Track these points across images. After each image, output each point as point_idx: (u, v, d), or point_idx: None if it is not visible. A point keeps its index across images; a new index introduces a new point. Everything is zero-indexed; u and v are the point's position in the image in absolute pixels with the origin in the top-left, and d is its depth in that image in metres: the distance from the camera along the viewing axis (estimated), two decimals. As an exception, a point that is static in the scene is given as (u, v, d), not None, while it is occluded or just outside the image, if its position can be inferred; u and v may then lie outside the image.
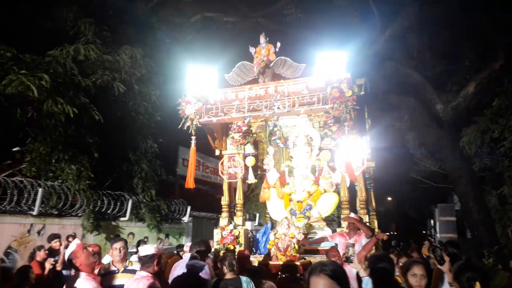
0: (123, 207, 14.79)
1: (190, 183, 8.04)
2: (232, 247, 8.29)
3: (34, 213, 11.94)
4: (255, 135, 9.11)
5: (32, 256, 8.73)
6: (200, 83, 7.97)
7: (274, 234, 7.74)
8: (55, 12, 14.14)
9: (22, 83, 11.81)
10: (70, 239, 10.98)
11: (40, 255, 8.31)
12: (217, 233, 8.66)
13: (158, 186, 15.80)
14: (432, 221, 21.18)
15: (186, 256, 6.98)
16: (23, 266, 6.59)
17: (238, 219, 8.76)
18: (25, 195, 11.67)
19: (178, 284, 5.17)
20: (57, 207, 12.72)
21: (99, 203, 13.92)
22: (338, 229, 7.89)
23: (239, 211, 8.84)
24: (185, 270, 5.88)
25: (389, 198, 26.18)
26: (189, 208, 16.75)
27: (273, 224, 9.46)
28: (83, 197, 13.41)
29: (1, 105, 11.89)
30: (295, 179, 9.34)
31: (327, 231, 8.93)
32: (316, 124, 9.44)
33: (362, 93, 7.28)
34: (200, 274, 5.80)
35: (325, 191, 9.03)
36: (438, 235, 17.46)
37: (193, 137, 8.02)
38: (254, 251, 8.95)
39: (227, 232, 8.40)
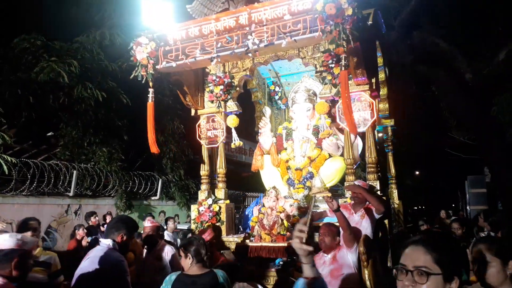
0: (153, 186, 15.44)
1: (153, 148, 6.53)
2: (211, 226, 6.99)
3: (70, 194, 12.65)
4: (238, 88, 7.43)
5: (72, 234, 9.49)
6: (155, 18, 6.37)
7: (259, 209, 6.65)
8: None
9: (53, 70, 12.49)
10: (108, 217, 11.92)
11: (79, 233, 8.99)
12: (193, 210, 7.48)
13: (186, 165, 16.29)
14: (461, 194, 21.34)
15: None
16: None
17: (219, 192, 7.47)
18: (61, 178, 12.27)
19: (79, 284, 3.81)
20: (91, 188, 13.41)
21: (130, 183, 14.59)
22: (340, 201, 6.16)
23: (220, 182, 7.54)
24: (90, 266, 3.86)
25: (417, 172, 26.16)
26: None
27: None
28: (115, 178, 14.11)
29: (35, 92, 12.54)
30: (294, 143, 7.94)
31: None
32: (312, 69, 7.44)
33: (370, 22, 5.75)
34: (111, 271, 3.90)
35: (330, 156, 7.49)
36: (468, 207, 17.68)
37: (151, 90, 6.44)
38: (242, 230, 7.75)
39: (205, 208, 7.21)
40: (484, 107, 14.58)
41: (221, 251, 6.15)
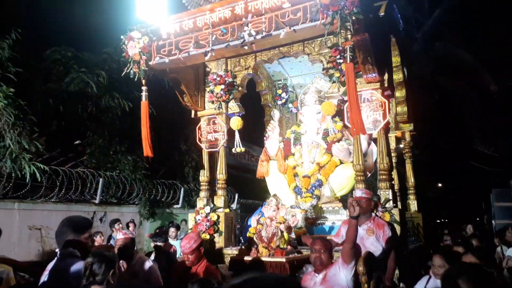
0: (176, 195, 14.76)
1: (147, 151, 5.80)
2: (208, 237, 6.20)
3: (96, 201, 12.17)
4: (241, 88, 6.56)
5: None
6: (149, 11, 5.60)
7: (258, 219, 5.75)
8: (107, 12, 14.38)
9: (83, 80, 12.33)
10: (131, 225, 11.27)
11: (97, 240, 8.46)
12: (190, 218, 6.73)
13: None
14: (486, 207, 19.68)
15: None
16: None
17: (218, 200, 6.60)
18: (88, 185, 11.86)
19: None
20: (116, 196, 12.92)
21: (154, 191, 14.01)
22: (346, 212, 5.29)
23: (220, 189, 6.71)
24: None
25: (440, 184, 24.45)
26: (236, 196, 16.12)
27: None
28: (139, 186, 13.51)
29: (64, 101, 12.37)
30: (302, 148, 7.02)
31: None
32: (319, 66, 6.41)
33: (381, 13, 4.97)
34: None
35: (341, 162, 6.59)
36: (493, 221, 16.08)
37: (144, 88, 5.76)
38: (243, 241, 6.88)
39: (202, 217, 6.33)
40: (509, 119, 13.42)
41: (217, 265, 5.08)
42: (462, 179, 20.14)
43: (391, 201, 5.19)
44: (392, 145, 7.89)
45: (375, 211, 5.01)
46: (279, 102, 7.81)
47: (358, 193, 4.84)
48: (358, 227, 4.64)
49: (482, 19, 14.06)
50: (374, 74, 5.25)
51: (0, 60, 10.34)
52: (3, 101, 9.89)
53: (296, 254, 5.30)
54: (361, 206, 4.58)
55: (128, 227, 11.02)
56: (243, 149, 6.70)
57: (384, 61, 5.47)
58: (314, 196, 6.51)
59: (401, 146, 8.08)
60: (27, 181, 10.06)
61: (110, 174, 12.96)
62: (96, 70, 12.52)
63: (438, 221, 24.56)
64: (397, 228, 4.99)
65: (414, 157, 8.53)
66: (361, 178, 5.38)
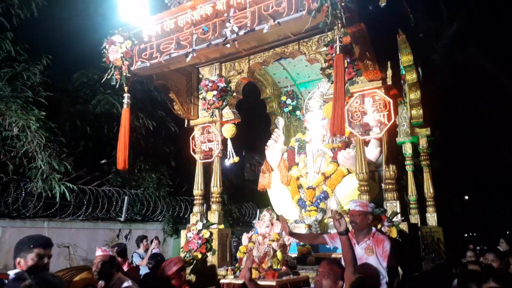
0: (187, 210, 13.94)
1: (121, 163, 4.89)
2: (200, 256, 5.28)
3: (122, 219, 11.90)
4: (235, 93, 5.72)
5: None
6: (132, 13, 4.84)
7: (249, 236, 4.87)
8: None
9: (108, 101, 12.23)
10: (154, 242, 10.72)
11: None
12: (182, 236, 5.83)
13: (228, 190, 14.84)
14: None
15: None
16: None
17: (212, 215, 5.75)
18: (114, 203, 11.60)
19: None
20: (140, 213, 12.61)
21: (177, 208, 13.52)
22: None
23: (215, 203, 5.83)
24: None
25: (466, 197, 22.61)
26: (258, 211, 15.27)
27: None
28: (163, 203, 13.12)
29: (91, 122, 12.20)
30: (307, 158, 6.00)
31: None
32: (318, 67, 5.43)
33: (382, 4, 4.23)
34: None
35: (348, 172, 5.55)
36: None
37: (126, 95, 5.07)
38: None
39: (193, 234, 5.46)
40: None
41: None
42: (490, 191, 18.57)
43: (399, 214, 4.22)
44: (409, 151, 6.94)
45: (379, 226, 4.05)
46: (286, 110, 6.94)
47: (351, 206, 3.94)
48: (357, 245, 3.75)
49: (504, 26, 12.88)
50: (375, 71, 4.30)
51: (32, 85, 10.24)
52: (35, 124, 9.76)
53: (291, 276, 4.35)
54: (354, 221, 3.69)
55: (151, 244, 10.70)
56: (236, 159, 5.86)
57: (388, 57, 4.52)
58: (319, 209, 5.51)
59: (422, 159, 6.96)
60: (57, 200, 9.90)
61: (134, 192, 12.69)
62: (121, 92, 12.13)
63: (466, 235, 22.71)
64: (407, 245, 4.01)
65: (435, 166, 7.41)
66: (365, 188, 4.45)
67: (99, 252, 4.04)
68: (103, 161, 13.38)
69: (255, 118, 9.76)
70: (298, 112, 6.91)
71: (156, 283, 3.74)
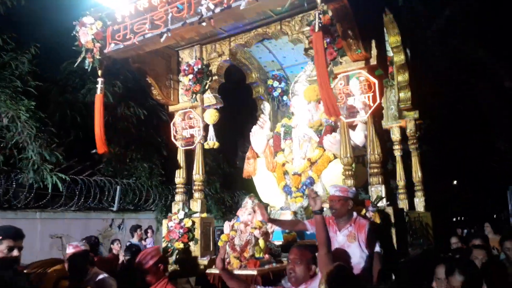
0: (205, 200, 13.87)
1: (101, 147, 4.96)
2: (181, 245, 5.06)
3: (114, 209, 11.73)
4: (216, 77, 5.36)
5: (110, 249, 8.46)
6: None
7: (231, 224, 4.62)
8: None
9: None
10: (149, 232, 10.67)
11: (115, 248, 7.94)
12: (164, 225, 5.57)
13: (222, 179, 14.79)
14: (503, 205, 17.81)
15: None
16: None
17: (195, 204, 5.52)
18: (106, 193, 11.47)
19: None
20: (133, 203, 12.38)
21: (170, 197, 13.16)
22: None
23: (197, 191, 5.64)
24: None
25: (455, 182, 22.33)
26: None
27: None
28: (156, 192, 12.91)
29: (81, 112, 11.76)
30: (293, 143, 5.72)
31: None
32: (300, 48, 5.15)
33: None
34: None
35: (335, 157, 5.22)
36: (511, 219, 14.34)
37: (100, 79, 4.82)
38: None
39: (175, 223, 5.20)
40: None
41: (188, 279, 4.03)
42: (478, 176, 18.36)
43: (384, 199, 3.97)
44: (397, 135, 6.62)
45: (363, 212, 3.81)
46: (275, 94, 6.61)
47: (331, 191, 3.69)
48: (338, 232, 3.52)
49: (498, 14, 12.56)
50: (359, 50, 4.01)
51: (20, 74, 9.90)
52: (25, 114, 9.47)
53: (274, 264, 4.13)
54: (333, 207, 3.45)
55: (146, 234, 10.45)
56: (217, 144, 5.63)
57: (373, 36, 4.21)
58: (305, 195, 5.17)
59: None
60: (49, 191, 9.73)
61: (126, 182, 12.41)
62: (111, 80, 11.78)
63: (454, 219, 22.54)
64: (393, 231, 3.77)
65: (424, 150, 7.17)
66: (350, 173, 4.21)
67: (70, 250, 3.75)
68: (93, 151, 12.99)
69: (251, 104, 9.55)
70: (285, 97, 6.59)
71: (132, 277, 3.47)
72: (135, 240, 9.00)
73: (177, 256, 4.95)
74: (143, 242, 9.44)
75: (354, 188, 3.82)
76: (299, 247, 3.09)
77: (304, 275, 2.85)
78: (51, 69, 11.98)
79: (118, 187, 11.69)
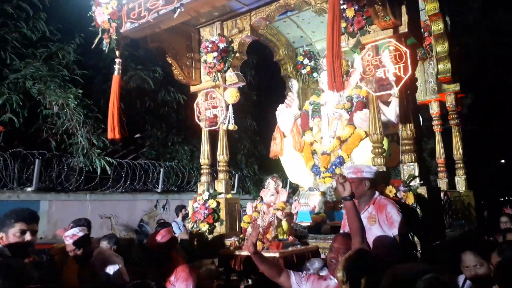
0: (230, 181, 13.66)
1: (111, 132, 4.56)
2: (206, 226, 4.82)
3: (159, 190, 11.79)
4: (238, 54, 4.92)
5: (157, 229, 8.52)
6: None
7: (254, 205, 4.21)
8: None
9: (140, 77, 11.75)
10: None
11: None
12: (190, 206, 5.30)
13: (259, 161, 14.49)
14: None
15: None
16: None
17: (219, 184, 5.25)
18: (150, 175, 11.50)
19: None
20: (176, 184, 12.40)
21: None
22: None
23: (221, 172, 5.37)
24: None
25: (503, 161, 20.33)
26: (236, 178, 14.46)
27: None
28: (197, 174, 12.54)
29: (124, 98, 11.84)
30: (322, 121, 5.21)
31: None
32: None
33: None
34: None
35: (366, 135, 4.58)
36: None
37: (117, 60, 4.50)
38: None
39: (200, 204, 4.93)
40: None
41: (213, 260, 3.82)
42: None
43: (417, 178, 3.50)
44: (436, 110, 6.07)
45: (393, 191, 3.39)
46: (303, 71, 6.04)
47: (345, 172, 3.32)
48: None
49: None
50: (388, 17, 3.50)
51: (67, 63, 10.11)
52: (73, 102, 9.70)
53: (298, 246, 3.80)
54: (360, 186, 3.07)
55: (187, 214, 10.56)
56: (235, 127, 5.21)
57: (404, 1, 3.65)
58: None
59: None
60: (98, 174, 9.93)
61: (169, 164, 12.44)
62: (151, 67, 11.86)
63: (502, 198, 20.98)
64: (425, 211, 3.33)
65: (468, 128, 6.51)
66: (379, 151, 3.76)
67: (69, 240, 3.51)
68: (137, 135, 13.25)
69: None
70: (315, 74, 6.00)
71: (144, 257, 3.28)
72: (179, 220, 9.00)
73: (202, 237, 4.74)
74: (186, 220, 9.45)
75: (372, 167, 3.44)
76: (345, 235, 2.79)
77: None
78: (94, 57, 12.17)
79: (162, 170, 11.72)
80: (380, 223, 3.04)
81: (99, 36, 4.24)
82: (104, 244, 4.43)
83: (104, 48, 4.30)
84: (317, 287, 2.71)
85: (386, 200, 3.20)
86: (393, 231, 3.03)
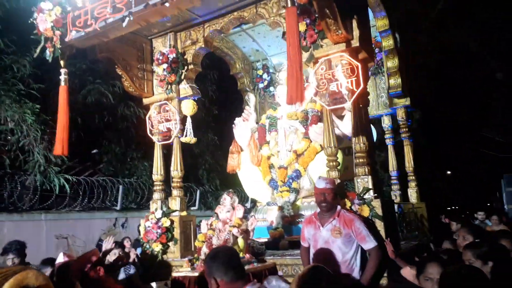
0: (192, 197, 13.28)
1: (59, 147, 4.04)
2: (159, 247, 4.54)
3: (118, 208, 11.18)
4: (192, 66, 4.71)
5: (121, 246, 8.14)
6: None
7: (209, 223, 3.93)
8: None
9: (99, 91, 11.32)
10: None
11: (126, 245, 7.48)
12: (141, 225, 4.97)
13: (221, 176, 14.07)
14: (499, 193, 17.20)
15: None
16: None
17: (173, 202, 4.94)
18: (108, 192, 10.94)
19: None
20: (136, 202, 11.81)
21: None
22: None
23: (176, 188, 5.05)
24: None
25: (448, 172, 21.47)
26: (198, 193, 14.03)
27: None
28: None
29: (82, 113, 11.24)
30: (278, 135, 5.12)
31: None
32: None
33: None
34: None
35: (322, 148, 4.48)
36: (505, 206, 13.72)
37: (63, 70, 4.19)
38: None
39: (152, 223, 4.62)
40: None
41: (166, 282, 3.51)
42: (472, 166, 17.66)
43: (371, 191, 3.43)
44: (388, 124, 6.09)
45: (348, 204, 3.24)
46: (261, 85, 5.98)
47: (320, 184, 3.15)
48: (321, 227, 3.04)
49: (488, 5, 11.89)
50: (340, 31, 3.46)
51: (22, 77, 9.49)
52: (31, 117, 9.15)
53: (255, 264, 3.55)
54: (325, 201, 2.91)
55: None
56: (194, 140, 4.91)
57: (354, 14, 3.66)
58: (292, 189, 4.71)
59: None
60: (56, 192, 9.44)
61: (128, 181, 11.81)
62: (110, 81, 11.33)
63: (449, 208, 21.76)
64: (380, 224, 3.21)
65: (417, 141, 6.55)
66: (334, 164, 3.66)
67: (60, 258, 3.19)
68: (94, 151, 12.62)
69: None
70: (272, 88, 5.93)
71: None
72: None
73: (154, 258, 4.40)
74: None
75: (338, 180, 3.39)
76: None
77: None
78: (52, 70, 11.59)
79: (121, 187, 11.15)
80: (345, 236, 2.94)
81: (42, 44, 3.87)
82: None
83: (47, 58, 3.93)
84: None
85: (351, 214, 3.10)
86: (366, 246, 2.96)
